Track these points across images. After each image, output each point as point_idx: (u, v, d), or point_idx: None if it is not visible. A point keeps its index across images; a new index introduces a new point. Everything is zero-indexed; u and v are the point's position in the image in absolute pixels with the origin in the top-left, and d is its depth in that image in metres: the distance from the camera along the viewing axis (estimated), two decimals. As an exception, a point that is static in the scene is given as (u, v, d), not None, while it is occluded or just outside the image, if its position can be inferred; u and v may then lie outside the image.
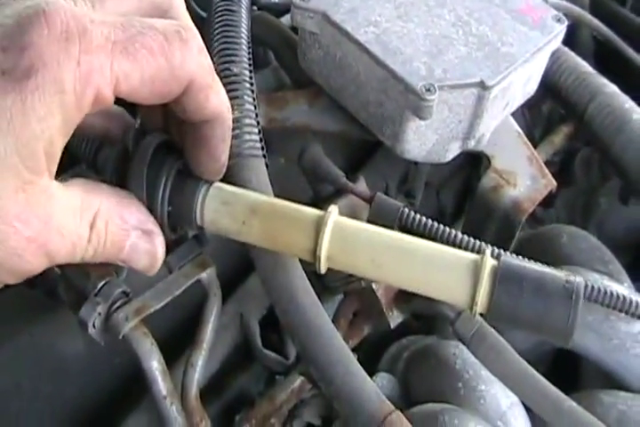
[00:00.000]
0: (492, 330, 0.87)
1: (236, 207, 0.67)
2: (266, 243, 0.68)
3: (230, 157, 0.73)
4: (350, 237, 0.67)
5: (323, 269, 0.67)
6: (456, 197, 1.30)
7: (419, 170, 1.18)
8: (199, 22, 0.68)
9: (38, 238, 0.53)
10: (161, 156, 0.65)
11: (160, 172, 0.65)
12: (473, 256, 0.66)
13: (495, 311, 0.64)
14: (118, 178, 0.65)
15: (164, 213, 0.65)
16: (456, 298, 0.66)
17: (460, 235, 0.85)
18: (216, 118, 0.63)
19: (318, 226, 0.66)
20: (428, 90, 0.85)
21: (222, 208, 0.67)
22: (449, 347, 0.97)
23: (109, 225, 0.60)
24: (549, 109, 1.44)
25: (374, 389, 0.76)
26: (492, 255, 0.66)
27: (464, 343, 0.87)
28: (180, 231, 0.73)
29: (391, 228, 0.85)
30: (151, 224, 0.64)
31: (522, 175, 1.02)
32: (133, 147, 0.64)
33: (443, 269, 0.66)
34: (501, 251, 0.75)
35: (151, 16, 0.61)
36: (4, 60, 0.50)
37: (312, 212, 0.68)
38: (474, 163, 1.22)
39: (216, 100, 0.62)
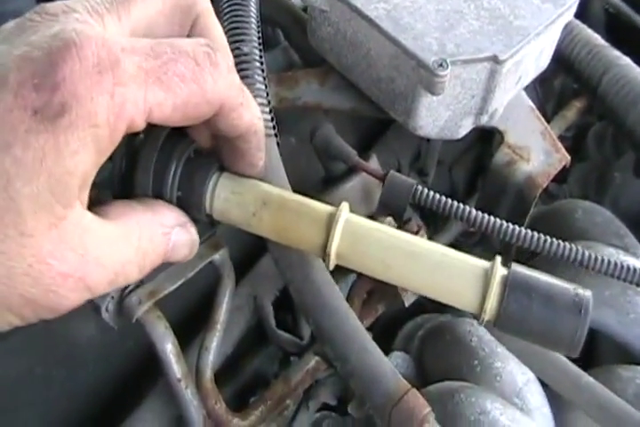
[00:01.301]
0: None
1: (247, 198, 0.66)
2: (275, 236, 0.67)
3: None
4: (361, 236, 0.66)
5: (331, 266, 0.67)
6: (468, 174, 1.28)
7: (431, 147, 1.17)
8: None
9: (75, 273, 0.52)
10: (172, 143, 0.64)
11: (170, 158, 0.64)
12: (483, 263, 0.66)
13: (503, 320, 0.64)
14: (127, 164, 0.64)
15: (173, 199, 0.64)
16: (465, 305, 0.66)
17: (473, 211, 0.84)
18: (248, 131, 0.63)
19: (329, 222, 0.65)
20: (441, 65, 0.84)
21: (233, 198, 0.66)
22: (464, 324, 0.96)
23: (154, 238, 0.60)
24: (561, 84, 1.42)
25: (390, 367, 0.75)
26: (503, 263, 0.66)
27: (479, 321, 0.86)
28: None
29: (404, 206, 0.85)
30: (182, 216, 0.64)
31: (535, 150, 1.01)
32: (145, 133, 0.63)
33: (453, 275, 0.65)
34: (512, 262, 0.74)
35: (177, 16, 0.60)
36: (36, 98, 0.49)
37: (324, 207, 0.67)
38: (486, 139, 1.21)
39: (248, 115, 0.61)
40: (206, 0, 0.63)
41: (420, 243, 0.67)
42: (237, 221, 0.67)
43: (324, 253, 0.66)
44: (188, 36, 0.62)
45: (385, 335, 0.95)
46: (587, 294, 0.65)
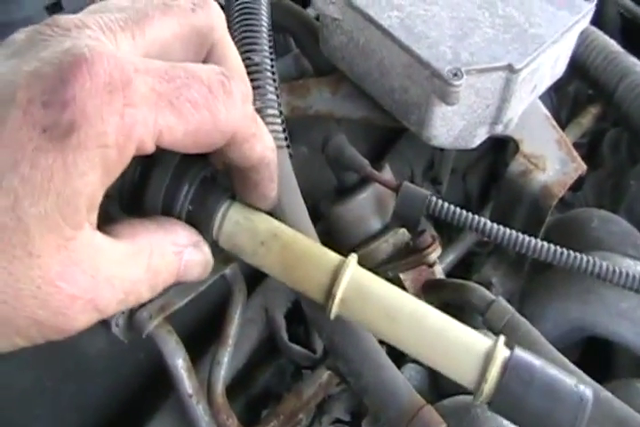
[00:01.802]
0: (525, 320, 0.85)
1: (259, 226, 0.65)
2: (279, 270, 0.66)
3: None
4: (368, 286, 0.65)
5: (333, 313, 0.65)
6: (482, 182, 1.27)
7: (444, 156, 1.16)
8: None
9: (85, 295, 0.51)
10: (188, 162, 0.63)
11: (185, 176, 0.62)
12: (486, 341, 0.64)
13: (498, 404, 0.63)
14: (139, 178, 0.63)
15: (182, 216, 0.63)
16: (462, 380, 0.64)
17: (488, 223, 0.83)
18: (260, 162, 0.61)
19: (338, 267, 0.64)
20: (455, 75, 0.83)
21: (244, 223, 0.65)
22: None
23: (165, 256, 0.58)
24: (575, 90, 1.41)
25: (404, 382, 0.74)
26: (507, 345, 0.64)
27: (495, 333, 0.85)
28: None
29: (419, 217, 0.84)
30: (196, 235, 0.62)
31: (551, 159, 1.00)
32: (161, 151, 0.62)
33: (455, 346, 0.64)
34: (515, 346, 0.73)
35: (192, 41, 0.59)
36: (44, 116, 0.47)
37: (333, 254, 0.66)
38: (499, 147, 1.20)
39: (260, 146, 0.60)
40: (224, 27, 0.62)
41: (427, 307, 0.66)
42: (243, 248, 0.66)
43: (328, 297, 0.64)
44: (204, 63, 0.60)
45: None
46: (587, 391, 0.63)
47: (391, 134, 1.15)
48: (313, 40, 1.02)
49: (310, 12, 1.09)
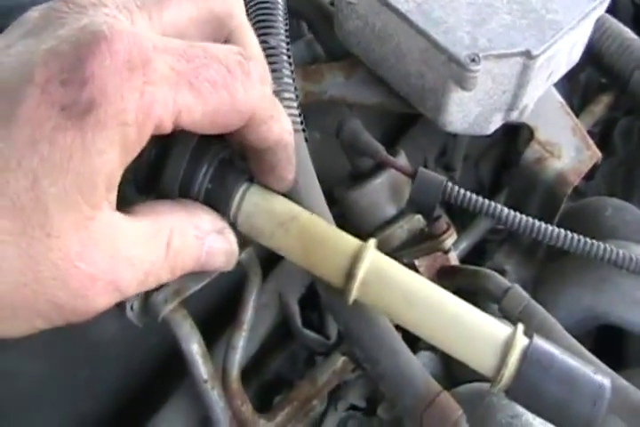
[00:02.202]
0: (541, 308, 0.85)
1: (278, 207, 0.65)
2: (297, 253, 0.65)
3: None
4: (388, 271, 0.65)
5: (353, 296, 0.65)
6: (494, 170, 1.27)
7: (458, 142, 1.16)
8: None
9: (105, 276, 0.51)
10: (207, 142, 0.62)
11: (204, 156, 0.62)
12: (505, 329, 0.65)
13: (516, 392, 0.63)
14: (156, 158, 0.62)
15: (201, 196, 0.62)
16: (480, 367, 0.64)
17: (505, 209, 0.83)
18: (278, 144, 0.61)
19: (357, 251, 0.64)
20: (473, 60, 0.83)
21: (263, 204, 0.64)
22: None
23: (186, 239, 0.58)
24: (587, 78, 1.40)
25: (421, 369, 0.74)
26: (525, 333, 0.64)
27: (511, 321, 0.84)
28: None
29: (435, 203, 0.84)
30: (220, 221, 0.62)
31: (566, 147, 1.00)
32: (179, 132, 0.61)
33: (474, 333, 0.64)
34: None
35: (209, 26, 0.58)
36: (63, 94, 0.47)
37: (352, 237, 0.66)
38: (512, 135, 1.19)
39: (278, 128, 0.60)
40: (242, 14, 0.61)
41: (446, 293, 0.66)
42: (261, 229, 0.65)
43: (347, 280, 0.64)
44: None
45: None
46: (606, 380, 0.63)
47: (403, 121, 1.14)
48: (327, 25, 1.01)
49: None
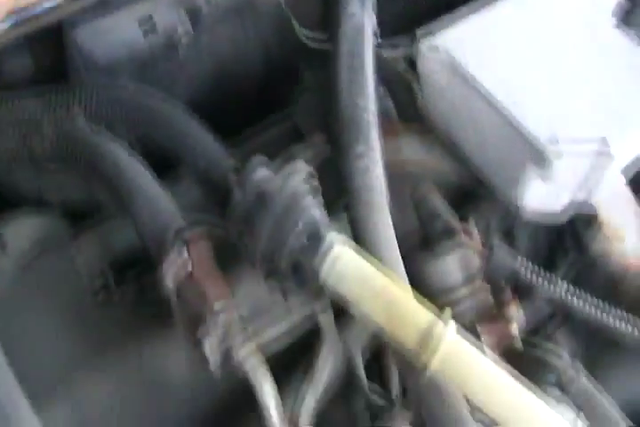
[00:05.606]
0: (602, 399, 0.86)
1: (370, 275, 0.67)
2: (382, 316, 0.68)
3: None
4: (469, 352, 0.68)
5: (432, 367, 0.67)
6: (551, 247, 1.27)
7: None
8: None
9: None
10: None
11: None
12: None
13: None
14: None
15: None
16: None
17: (564, 294, 0.85)
18: None
19: (438, 328, 0.67)
20: (555, 152, 0.85)
21: (354, 271, 0.67)
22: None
23: None
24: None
25: None
26: None
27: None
28: None
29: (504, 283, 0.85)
30: None
31: (629, 232, 1.01)
32: None
33: None
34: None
35: None
36: None
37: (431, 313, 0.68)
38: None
39: None
40: None
41: (517, 384, 0.68)
42: (351, 288, 0.67)
43: (426, 346, 0.66)
44: None
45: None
46: None
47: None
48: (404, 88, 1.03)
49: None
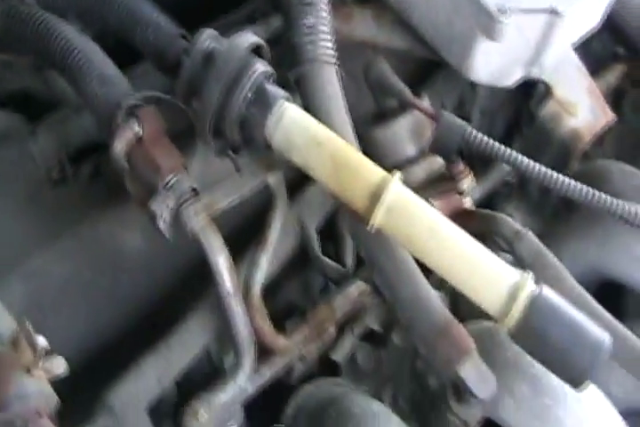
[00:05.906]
0: (552, 255, 0.87)
1: (315, 127, 0.67)
2: (328, 173, 0.68)
3: (304, 63, 0.72)
4: (412, 203, 0.68)
5: (377, 220, 0.67)
6: (508, 125, 1.28)
7: (475, 94, 1.17)
8: None
9: None
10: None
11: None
12: (516, 276, 0.67)
13: (522, 334, 0.66)
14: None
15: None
16: (488, 306, 0.67)
17: (519, 157, 0.84)
18: None
19: (386, 179, 0.67)
20: (503, 12, 0.85)
21: (302, 121, 0.66)
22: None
23: None
24: (602, 47, 1.41)
25: (438, 299, 0.76)
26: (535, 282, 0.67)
27: (522, 266, 0.86)
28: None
29: (456, 147, 0.85)
30: None
31: (582, 106, 1.02)
32: None
33: (487, 272, 0.67)
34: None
35: None
36: None
37: (381, 169, 0.69)
38: (528, 92, 1.21)
39: None
40: None
41: (465, 233, 0.68)
42: (298, 145, 0.67)
43: (373, 206, 0.66)
44: None
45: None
46: (606, 336, 0.66)
47: (423, 69, 1.15)
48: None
49: None
